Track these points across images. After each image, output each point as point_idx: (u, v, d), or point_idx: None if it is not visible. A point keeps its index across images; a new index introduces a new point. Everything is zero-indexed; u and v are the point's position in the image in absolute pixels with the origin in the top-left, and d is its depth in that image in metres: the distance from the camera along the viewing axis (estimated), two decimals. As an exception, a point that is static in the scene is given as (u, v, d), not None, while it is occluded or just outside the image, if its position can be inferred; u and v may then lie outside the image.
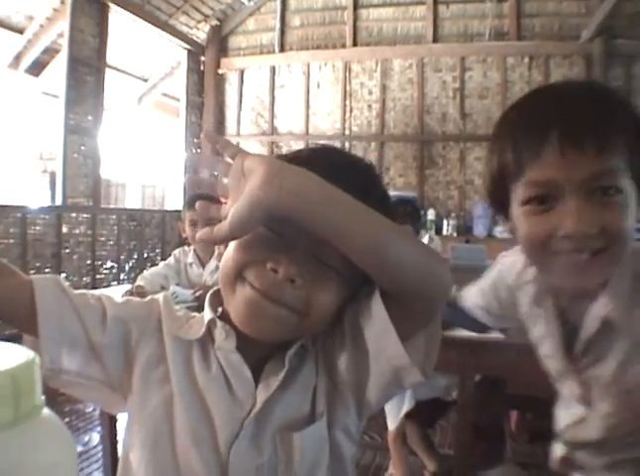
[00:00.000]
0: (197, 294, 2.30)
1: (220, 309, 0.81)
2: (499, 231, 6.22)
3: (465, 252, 3.66)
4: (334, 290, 0.74)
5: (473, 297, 1.17)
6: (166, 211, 7.34)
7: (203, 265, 2.82)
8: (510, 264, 1.05)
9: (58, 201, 5.55)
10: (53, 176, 7.45)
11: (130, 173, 10.66)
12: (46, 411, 0.33)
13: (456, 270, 3.09)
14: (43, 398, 0.33)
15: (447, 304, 1.07)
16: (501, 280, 1.08)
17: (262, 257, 0.72)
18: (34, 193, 8.19)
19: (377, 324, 0.70)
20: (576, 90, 0.83)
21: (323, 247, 0.69)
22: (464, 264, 3.63)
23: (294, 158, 0.77)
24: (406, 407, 2.41)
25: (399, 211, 4.10)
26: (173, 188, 8.23)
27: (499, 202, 0.88)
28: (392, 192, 5.92)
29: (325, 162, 0.76)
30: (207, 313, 0.80)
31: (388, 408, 2.45)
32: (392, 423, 2.48)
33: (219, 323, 0.77)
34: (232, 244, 0.75)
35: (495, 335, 1.90)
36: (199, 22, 7.58)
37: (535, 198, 0.80)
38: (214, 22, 7.72)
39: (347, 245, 0.66)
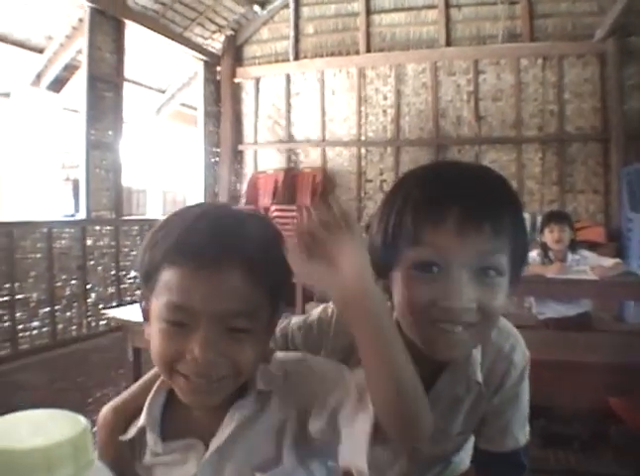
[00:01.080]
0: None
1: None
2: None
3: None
4: (252, 345, 0.80)
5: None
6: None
7: None
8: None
9: (82, 212, 5.71)
10: (75, 183, 7.62)
11: (151, 180, 10.82)
12: (97, 463, 0.42)
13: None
14: (95, 453, 0.42)
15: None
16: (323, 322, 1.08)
17: (178, 354, 0.77)
18: (57, 201, 8.38)
19: (356, 438, 0.77)
20: (477, 175, 0.90)
21: (226, 316, 0.76)
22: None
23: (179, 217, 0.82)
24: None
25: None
26: (193, 195, 8.36)
27: (384, 263, 0.90)
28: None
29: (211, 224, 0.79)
30: (143, 418, 0.86)
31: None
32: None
33: (149, 433, 0.84)
34: (152, 345, 0.81)
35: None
36: (214, 33, 7.69)
37: (423, 264, 0.84)
38: (229, 32, 7.83)
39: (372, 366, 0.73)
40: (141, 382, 0.94)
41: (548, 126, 6.64)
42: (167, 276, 0.77)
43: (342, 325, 0.98)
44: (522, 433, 1.03)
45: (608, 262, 3.64)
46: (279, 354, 0.92)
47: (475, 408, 1.01)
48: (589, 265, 3.64)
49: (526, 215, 6.27)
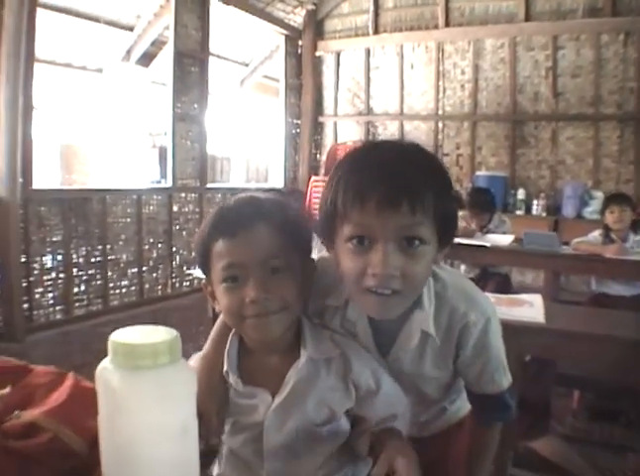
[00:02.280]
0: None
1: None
2: (589, 212, 6.22)
3: (537, 238, 3.80)
4: (292, 281, 1.01)
5: None
6: (267, 189, 7.82)
7: None
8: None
9: (169, 180, 6.09)
10: (161, 150, 8.04)
11: (234, 148, 11.17)
12: (182, 359, 0.66)
13: (528, 255, 3.36)
14: (180, 352, 0.66)
15: None
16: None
17: (240, 305, 0.99)
18: (145, 167, 8.87)
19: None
20: (398, 158, 0.98)
21: (266, 260, 0.99)
22: (536, 249, 3.79)
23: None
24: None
25: (476, 200, 4.28)
26: (274, 163, 8.66)
27: (327, 234, 1.03)
28: (483, 173, 5.97)
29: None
30: (226, 363, 1.08)
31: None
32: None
33: (231, 375, 1.07)
34: (221, 306, 1.04)
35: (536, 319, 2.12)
36: (295, 7, 7.83)
37: (356, 238, 0.96)
38: (310, 6, 7.96)
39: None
40: (214, 336, 1.15)
41: (627, 104, 6.43)
42: (217, 248, 1.02)
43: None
44: (503, 378, 1.16)
45: (671, 244, 3.66)
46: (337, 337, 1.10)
47: (439, 356, 1.14)
48: (650, 247, 3.68)
49: (600, 194, 6.21)
